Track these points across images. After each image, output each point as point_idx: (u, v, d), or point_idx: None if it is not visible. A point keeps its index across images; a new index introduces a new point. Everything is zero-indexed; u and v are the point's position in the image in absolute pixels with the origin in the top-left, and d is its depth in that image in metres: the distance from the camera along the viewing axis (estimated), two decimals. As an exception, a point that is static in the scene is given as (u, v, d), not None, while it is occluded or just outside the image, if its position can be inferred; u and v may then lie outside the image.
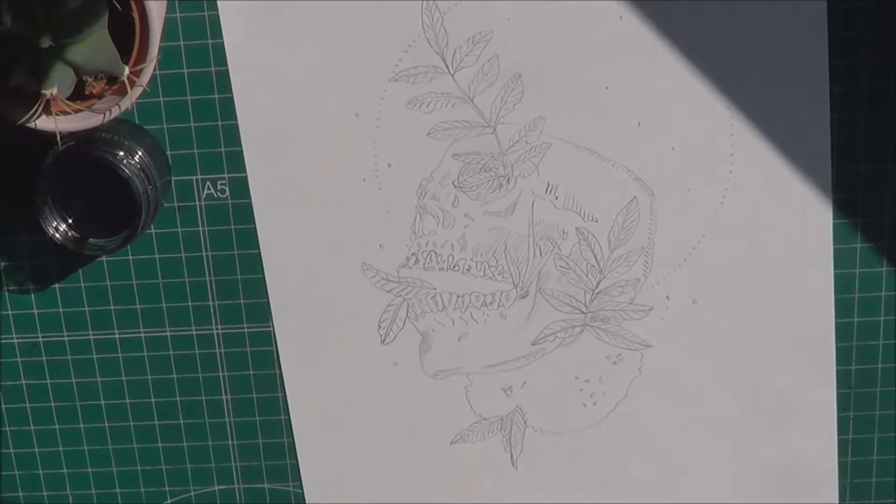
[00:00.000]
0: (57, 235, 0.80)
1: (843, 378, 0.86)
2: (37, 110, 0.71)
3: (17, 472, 0.90)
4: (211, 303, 0.86)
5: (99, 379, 0.88)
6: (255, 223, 0.84)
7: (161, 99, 0.82)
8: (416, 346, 0.87)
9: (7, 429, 0.89)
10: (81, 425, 0.89)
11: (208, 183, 0.83)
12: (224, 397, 0.88)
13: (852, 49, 0.80)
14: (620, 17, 0.80)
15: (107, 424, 0.89)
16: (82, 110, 0.74)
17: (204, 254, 0.85)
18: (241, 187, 0.83)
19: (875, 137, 0.81)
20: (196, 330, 0.86)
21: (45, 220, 0.80)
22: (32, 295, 0.86)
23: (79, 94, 0.75)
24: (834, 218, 0.83)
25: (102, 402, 0.88)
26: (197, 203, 0.84)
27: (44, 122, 0.74)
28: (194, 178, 0.83)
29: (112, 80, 0.75)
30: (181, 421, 0.89)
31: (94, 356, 0.87)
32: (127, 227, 0.80)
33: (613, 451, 0.89)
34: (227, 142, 0.82)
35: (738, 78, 0.81)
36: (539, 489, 0.90)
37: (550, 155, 0.83)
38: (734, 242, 0.84)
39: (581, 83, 0.81)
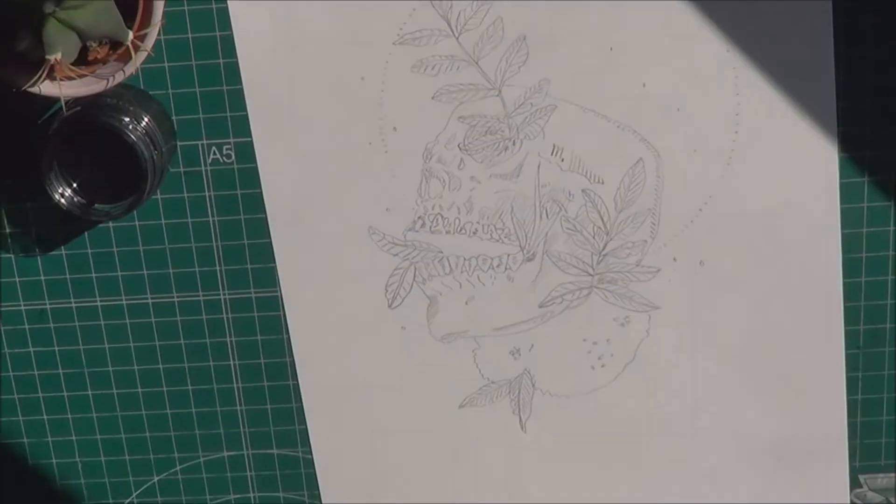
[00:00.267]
0: (63, 201, 0.80)
1: (851, 338, 0.86)
2: (41, 75, 0.71)
3: (26, 440, 0.90)
4: (218, 268, 0.86)
5: (107, 345, 0.88)
6: (260, 188, 0.84)
7: (166, 64, 0.82)
8: (424, 309, 0.87)
9: (16, 396, 0.89)
10: (90, 392, 0.89)
11: (214, 148, 0.83)
12: (232, 363, 0.88)
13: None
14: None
15: (115, 391, 0.89)
16: (87, 75, 0.74)
17: (210, 219, 0.85)
18: (246, 152, 0.83)
19: (882, 97, 0.81)
20: (203, 295, 0.86)
21: (50, 186, 0.80)
22: (39, 261, 0.86)
23: (82, 60, 0.75)
24: (841, 177, 0.83)
25: (111, 368, 0.88)
26: (203, 168, 0.84)
27: (48, 88, 0.74)
28: (200, 143, 0.83)
29: (116, 45, 0.75)
30: (189, 387, 0.89)
31: (102, 322, 0.87)
32: (133, 193, 0.80)
33: (622, 413, 0.89)
34: (233, 107, 0.82)
35: (743, 39, 0.80)
36: (548, 452, 0.90)
37: (556, 117, 0.82)
38: (740, 203, 0.84)
39: (586, 45, 0.81)
